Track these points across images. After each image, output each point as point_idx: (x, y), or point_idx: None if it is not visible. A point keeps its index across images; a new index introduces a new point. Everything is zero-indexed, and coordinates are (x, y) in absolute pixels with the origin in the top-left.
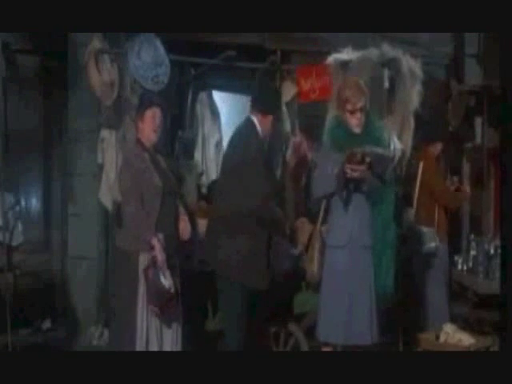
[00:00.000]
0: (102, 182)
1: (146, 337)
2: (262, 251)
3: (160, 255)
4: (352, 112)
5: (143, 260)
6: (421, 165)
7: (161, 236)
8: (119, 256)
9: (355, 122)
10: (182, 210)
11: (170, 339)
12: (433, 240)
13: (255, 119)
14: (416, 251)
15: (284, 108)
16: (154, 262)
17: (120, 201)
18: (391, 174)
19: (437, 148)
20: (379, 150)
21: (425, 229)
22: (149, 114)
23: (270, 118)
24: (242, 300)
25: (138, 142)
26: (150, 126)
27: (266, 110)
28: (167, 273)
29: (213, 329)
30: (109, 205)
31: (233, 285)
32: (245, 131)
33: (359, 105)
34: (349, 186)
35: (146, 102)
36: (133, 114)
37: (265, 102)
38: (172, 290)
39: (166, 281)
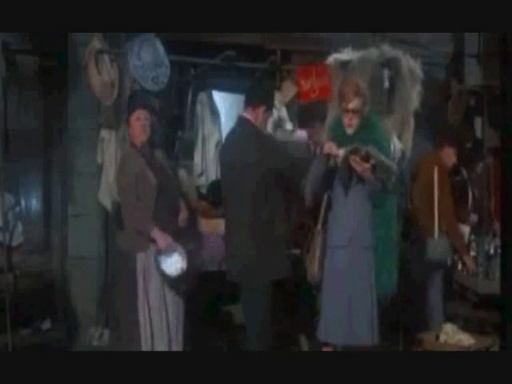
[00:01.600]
0: (101, 182)
1: (151, 334)
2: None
3: (163, 240)
4: (345, 111)
5: (141, 259)
6: (436, 170)
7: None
8: (119, 256)
9: (347, 122)
10: (182, 204)
11: (174, 334)
12: (446, 251)
13: (247, 115)
14: (427, 259)
15: (284, 108)
16: (158, 252)
17: (119, 201)
18: (393, 186)
19: (450, 158)
20: (383, 158)
21: (439, 238)
22: (134, 116)
23: (261, 108)
24: (264, 299)
25: (131, 143)
26: (136, 127)
27: (256, 101)
28: (175, 255)
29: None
30: (108, 205)
31: (254, 286)
32: (241, 131)
33: (351, 105)
34: (351, 175)
35: (131, 104)
36: None
37: (253, 93)
38: (181, 272)
39: (172, 266)
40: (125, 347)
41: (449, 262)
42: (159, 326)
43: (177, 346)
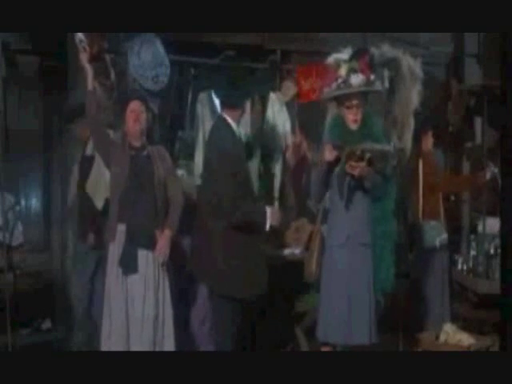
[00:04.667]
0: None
1: (109, 327)
2: (246, 260)
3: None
4: (348, 107)
5: (112, 250)
6: (420, 161)
7: (123, 227)
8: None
9: (352, 118)
10: (171, 223)
11: (139, 335)
12: (443, 232)
13: (225, 115)
14: (426, 246)
15: (284, 108)
16: None
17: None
18: (392, 169)
19: (428, 142)
20: (378, 146)
21: (432, 222)
22: (129, 108)
23: (237, 110)
24: (232, 307)
25: (123, 140)
26: (131, 118)
27: (230, 103)
28: None
29: None
30: (99, 202)
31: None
32: (217, 130)
33: (355, 101)
34: (350, 184)
35: (126, 97)
36: None
37: (226, 95)
38: None
39: None
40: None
41: (437, 244)
42: (118, 320)
43: (140, 345)
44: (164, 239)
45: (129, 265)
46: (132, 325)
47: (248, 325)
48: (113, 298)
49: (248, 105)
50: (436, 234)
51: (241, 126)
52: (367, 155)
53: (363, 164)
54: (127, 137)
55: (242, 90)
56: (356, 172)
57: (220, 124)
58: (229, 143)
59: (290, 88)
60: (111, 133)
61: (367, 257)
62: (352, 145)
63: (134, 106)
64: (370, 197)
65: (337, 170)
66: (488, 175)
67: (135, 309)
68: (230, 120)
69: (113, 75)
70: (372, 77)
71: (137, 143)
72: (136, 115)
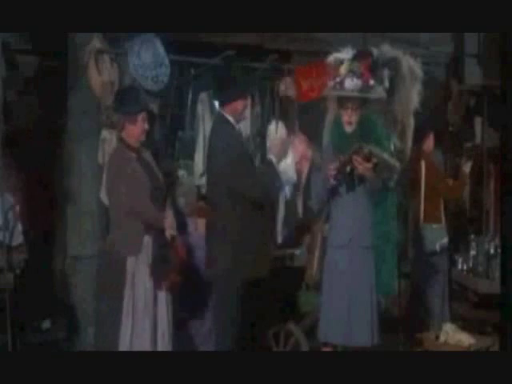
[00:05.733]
0: (103, 182)
1: (131, 336)
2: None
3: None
4: (344, 108)
5: (131, 263)
6: (423, 164)
7: (150, 239)
8: (106, 260)
9: (346, 120)
10: (169, 210)
11: (160, 342)
12: (444, 235)
13: (224, 112)
14: (427, 250)
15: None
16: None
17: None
18: (394, 183)
19: (429, 145)
20: (386, 157)
21: (434, 225)
22: (140, 116)
23: (238, 102)
24: (237, 302)
25: (123, 142)
26: (140, 127)
27: (228, 97)
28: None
29: None
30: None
31: (227, 286)
32: (218, 127)
33: (350, 103)
34: (353, 178)
35: (138, 104)
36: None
37: (223, 90)
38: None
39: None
40: (105, 347)
41: (438, 248)
42: (142, 328)
43: (163, 347)
44: (170, 216)
45: (161, 274)
46: (160, 326)
47: (248, 325)
48: (137, 309)
49: (248, 101)
50: (437, 237)
51: (241, 124)
52: (374, 159)
53: (369, 166)
54: (127, 138)
55: (237, 85)
56: (360, 168)
57: (218, 121)
58: (229, 138)
59: (290, 83)
60: (113, 133)
61: (368, 259)
62: (346, 148)
63: (145, 116)
64: (371, 199)
65: (342, 159)
66: (468, 167)
67: (159, 317)
68: (228, 116)
69: (113, 75)
70: (371, 82)
71: (136, 144)
72: (143, 128)
